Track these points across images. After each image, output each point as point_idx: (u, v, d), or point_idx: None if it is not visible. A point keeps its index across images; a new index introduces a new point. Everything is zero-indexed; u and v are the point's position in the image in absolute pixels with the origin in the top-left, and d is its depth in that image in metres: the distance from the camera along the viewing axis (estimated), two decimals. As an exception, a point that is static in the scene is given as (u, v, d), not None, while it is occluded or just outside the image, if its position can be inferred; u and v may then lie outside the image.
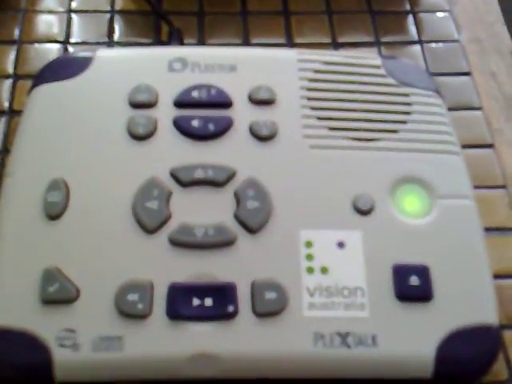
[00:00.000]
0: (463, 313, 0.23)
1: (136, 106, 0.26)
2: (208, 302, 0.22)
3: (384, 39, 0.36)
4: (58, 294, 0.22)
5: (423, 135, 0.26)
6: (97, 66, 0.27)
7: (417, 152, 0.26)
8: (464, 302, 0.23)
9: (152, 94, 0.26)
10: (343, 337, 0.22)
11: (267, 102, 0.27)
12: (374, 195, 0.24)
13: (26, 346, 0.21)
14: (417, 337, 0.22)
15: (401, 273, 0.23)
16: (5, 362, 0.22)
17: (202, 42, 0.35)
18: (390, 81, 0.28)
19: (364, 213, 0.24)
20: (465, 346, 0.22)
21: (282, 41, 0.36)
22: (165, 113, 0.26)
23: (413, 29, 0.37)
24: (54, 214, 0.23)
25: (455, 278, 0.23)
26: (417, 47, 0.36)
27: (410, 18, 0.37)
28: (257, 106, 0.26)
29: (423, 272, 0.23)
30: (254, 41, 0.35)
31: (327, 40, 0.36)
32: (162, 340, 0.22)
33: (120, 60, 0.28)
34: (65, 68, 0.27)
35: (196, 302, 0.22)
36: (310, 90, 0.27)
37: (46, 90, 0.27)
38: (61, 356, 0.21)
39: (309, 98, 0.27)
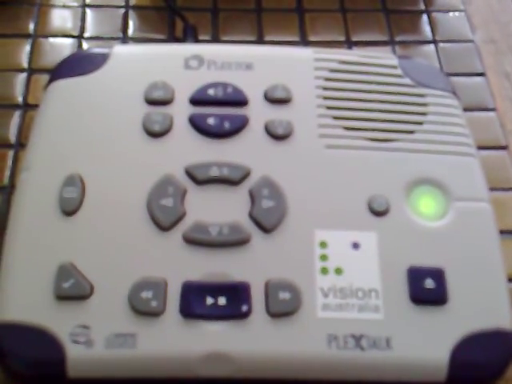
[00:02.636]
0: (478, 317, 0.22)
1: (152, 102, 0.26)
2: (222, 301, 0.22)
3: (398, 38, 0.36)
4: (72, 290, 0.22)
5: (439, 136, 0.26)
6: (113, 63, 0.27)
7: (433, 153, 0.26)
8: (479, 305, 0.23)
9: (168, 91, 0.26)
10: (357, 339, 0.22)
11: (283, 101, 0.26)
12: (390, 196, 0.24)
13: (39, 342, 0.21)
14: (431, 340, 0.22)
15: (416, 275, 0.23)
16: (18, 358, 0.22)
17: (215, 38, 0.35)
18: (407, 81, 0.28)
19: (379, 214, 0.24)
20: (479, 350, 0.22)
21: (295, 38, 0.36)
22: (181, 110, 0.26)
23: (427, 28, 0.37)
24: (69, 209, 0.23)
25: (470, 282, 0.23)
26: (431, 47, 0.36)
27: (425, 18, 0.37)
28: (273, 104, 0.26)
29: (438, 275, 0.23)
30: (268, 38, 0.35)
31: (341, 38, 0.36)
32: (175, 338, 0.22)
33: (136, 56, 0.28)
34: (82, 64, 0.27)
35: (210, 300, 0.22)
36: (326, 89, 0.27)
37: (63, 85, 0.27)
38: (74, 352, 0.21)
39: (325, 98, 0.27)
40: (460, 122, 0.27)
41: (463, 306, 0.22)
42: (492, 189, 0.26)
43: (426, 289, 0.23)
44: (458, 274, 0.23)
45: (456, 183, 0.25)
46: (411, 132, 0.26)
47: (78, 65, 0.27)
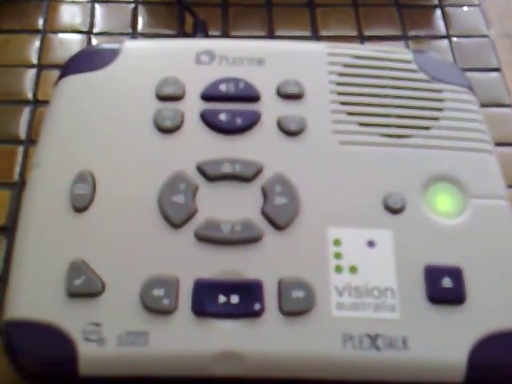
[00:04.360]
0: (496, 316, 0.22)
1: (163, 98, 0.26)
2: (234, 299, 0.22)
3: (411, 33, 0.36)
4: (84, 287, 0.22)
5: (456, 132, 0.26)
6: (124, 58, 0.27)
7: (449, 150, 0.25)
8: (497, 305, 0.22)
9: (179, 86, 0.26)
10: (373, 339, 0.21)
11: (296, 97, 0.26)
12: (406, 193, 0.24)
13: (50, 340, 0.21)
14: (449, 340, 0.21)
15: (433, 274, 0.22)
16: (29, 355, 0.21)
17: (225, 33, 0.35)
18: (422, 76, 0.27)
19: (395, 211, 0.24)
20: (497, 351, 0.21)
21: (307, 33, 0.35)
22: (192, 106, 0.26)
23: (441, 23, 0.36)
24: (80, 206, 0.23)
25: (488, 281, 0.22)
26: (444, 42, 0.36)
27: (438, 12, 0.37)
28: (285, 100, 0.26)
29: (456, 274, 0.22)
30: (279, 33, 0.35)
31: (353, 33, 0.35)
32: (187, 336, 0.21)
33: (147, 52, 0.27)
34: (92, 59, 0.27)
35: (222, 298, 0.22)
36: (339, 84, 0.27)
37: (73, 81, 0.26)
38: (86, 350, 0.21)
39: (338, 93, 0.26)
40: (477, 117, 0.26)
41: (481, 305, 0.22)
42: (510, 186, 0.26)
43: (444, 288, 0.22)
44: (475, 272, 0.23)
45: (473, 180, 0.25)
46: (427, 128, 0.26)
47: (89, 60, 0.27)
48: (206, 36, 0.33)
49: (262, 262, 0.23)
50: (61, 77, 0.27)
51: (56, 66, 0.32)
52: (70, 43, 0.34)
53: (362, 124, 0.26)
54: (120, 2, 0.35)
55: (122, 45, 0.27)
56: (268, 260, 0.23)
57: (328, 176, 0.24)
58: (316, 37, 0.35)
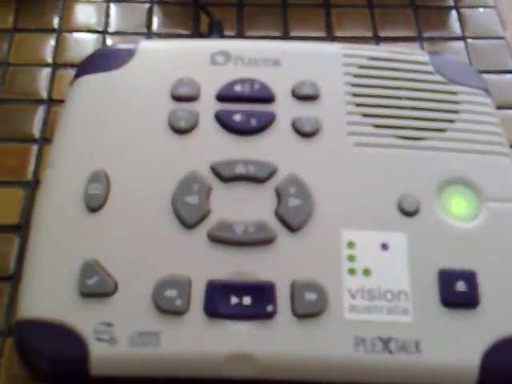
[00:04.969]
0: (510, 321, 0.22)
1: (178, 99, 0.26)
2: (246, 300, 0.22)
3: (426, 34, 0.35)
4: (96, 287, 0.22)
5: (472, 135, 0.25)
6: (139, 58, 0.27)
7: (465, 152, 0.25)
8: (511, 309, 0.22)
9: (194, 87, 0.26)
10: (385, 342, 0.21)
11: (311, 98, 0.26)
12: (420, 196, 0.24)
13: (62, 339, 0.21)
14: (462, 344, 0.21)
15: (447, 278, 0.22)
16: (41, 354, 0.21)
17: (240, 33, 0.35)
18: (438, 78, 0.27)
19: (409, 214, 0.23)
20: (511, 355, 0.21)
21: (321, 34, 0.35)
22: (207, 106, 0.26)
23: (456, 24, 0.36)
24: (94, 206, 0.23)
25: (502, 285, 0.22)
26: (460, 43, 0.35)
27: (454, 14, 0.36)
28: (300, 101, 0.26)
29: (470, 278, 0.22)
30: (294, 33, 0.35)
31: (368, 34, 0.35)
32: (199, 337, 0.21)
33: (162, 52, 0.27)
34: (107, 59, 0.27)
35: (234, 300, 0.22)
36: (354, 85, 0.26)
37: (89, 81, 0.26)
38: (98, 350, 0.21)
39: (354, 94, 0.26)
40: (493, 120, 0.26)
41: (495, 309, 0.22)
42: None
43: (457, 291, 0.22)
44: (489, 276, 0.22)
45: (488, 183, 0.24)
46: (442, 130, 0.25)
47: (104, 60, 0.27)
48: (222, 36, 0.33)
49: (275, 264, 0.22)
50: (76, 76, 0.27)
51: (71, 66, 0.33)
52: (85, 43, 0.34)
53: (377, 126, 0.25)
54: (135, 1, 0.36)
55: (138, 45, 0.27)
56: (281, 262, 0.23)
57: (342, 178, 0.24)
58: (331, 37, 0.35)
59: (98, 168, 0.24)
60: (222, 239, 0.23)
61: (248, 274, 0.22)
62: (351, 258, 0.23)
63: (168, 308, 0.22)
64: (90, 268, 0.22)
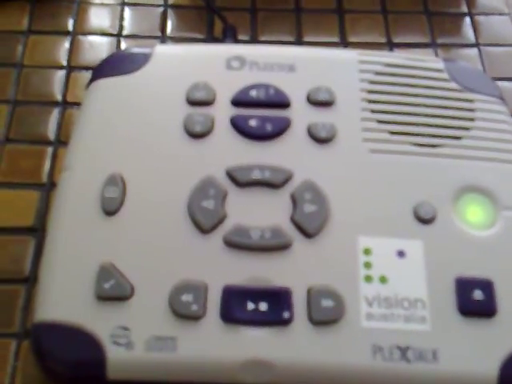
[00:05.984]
0: (527, 330, 0.22)
1: (193, 103, 0.26)
2: (263, 306, 0.22)
3: (440, 41, 0.35)
4: (113, 290, 0.22)
5: (487, 143, 0.25)
6: (155, 62, 0.27)
7: (480, 160, 0.25)
8: (529, 319, 0.22)
9: (210, 91, 0.26)
10: (403, 351, 0.21)
11: (326, 104, 0.26)
12: (436, 204, 0.24)
13: (79, 343, 0.21)
14: (479, 353, 0.21)
15: (464, 286, 0.22)
16: (58, 358, 0.21)
17: (254, 38, 0.35)
18: (453, 85, 0.27)
19: (425, 222, 0.23)
20: (529, 365, 0.21)
21: (335, 39, 0.35)
22: (222, 111, 0.26)
23: (470, 31, 0.36)
24: (110, 209, 0.23)
25: (520, 294, 0.22)
26: (474, 50, 0.35)
27: (467, 20, 0.36)
28: (315, 107, 0.26)
29: (488, 286, 0.22)
30: (307, 39, 0.35)
31: (382, 40, 0.35)
32: (216, 343, 0.21)
33: (178, 57, 0.27)
34: (123, 63, 0.27)
35: (250, 306, 0.22)
36: (370, 92, 0.26)
37: (105, 84, 0.26)
38: (114, 354, 0.21)
39: (369, 101, 0.26)
40: (508, 128, 0.26)
41: (512, 318, 0.22)
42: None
43: (475, 300, 0.22)
44: (507, 285, 0.22)
45: (504, 191, 0.24)
46: (458, 138, 0.25)
47: (120, 64, 0.27)
48: (235, 41, 0.33)
49: (291, 270, 0.22)
50: (92, 80, 0.27)
51: (85, 68, 0.33)
52: (99, 45, 0.34)
53: (392, 132, 0.25)
54: (149, 5, 0.36)
55: (153, 49, 0.27)
56: (297, 268, 0.23)
57: (358, 184, 0.24)
58: (344, 43, 0.35)
59: (114, 171, 0.24)
60: (238, 244, 0.23)
61: (264, 280, 0.22)
62: (367, 265, 0.23)
63: (184, 313, 0.22)
64: (107, 271, 0.22)
